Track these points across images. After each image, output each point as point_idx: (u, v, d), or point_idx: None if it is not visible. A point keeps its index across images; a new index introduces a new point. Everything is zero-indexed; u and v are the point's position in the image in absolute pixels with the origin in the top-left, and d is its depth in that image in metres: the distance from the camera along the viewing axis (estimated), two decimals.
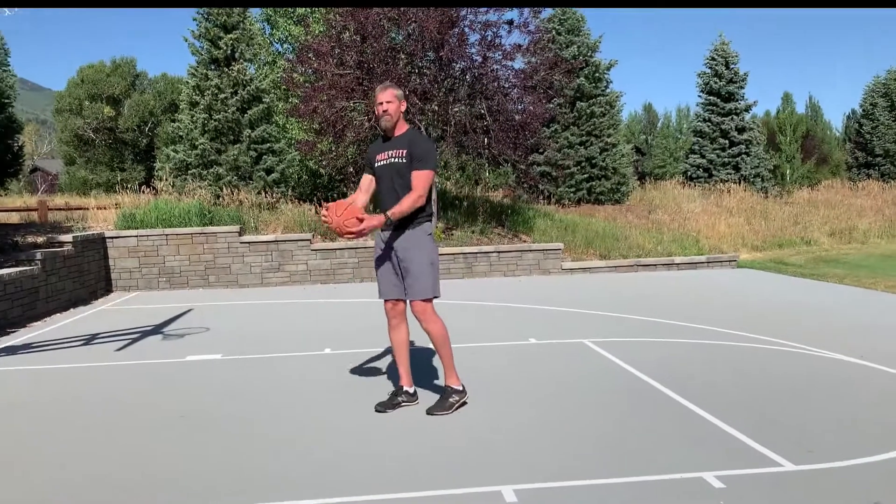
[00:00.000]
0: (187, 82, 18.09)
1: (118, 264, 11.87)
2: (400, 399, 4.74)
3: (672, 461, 3.72)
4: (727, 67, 25.37)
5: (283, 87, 17.72)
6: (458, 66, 13.72)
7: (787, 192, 25.67)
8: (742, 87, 25.44)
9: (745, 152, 24.85)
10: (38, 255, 9.59)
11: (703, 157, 25.26)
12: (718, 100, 25.30)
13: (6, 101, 19.09)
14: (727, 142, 24.93)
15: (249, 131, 16.98)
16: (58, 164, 49.85)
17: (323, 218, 4.38)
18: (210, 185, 16.04)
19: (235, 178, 16.57)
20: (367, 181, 4.73)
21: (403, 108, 4.62)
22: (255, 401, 5.07)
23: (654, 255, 13.77)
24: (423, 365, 5.76)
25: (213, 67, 17.44)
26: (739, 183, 23.73)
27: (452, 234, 13.59)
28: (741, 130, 25.02)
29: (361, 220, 4.27)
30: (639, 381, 5.33)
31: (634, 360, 5.95)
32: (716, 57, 25.54)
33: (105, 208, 14.12)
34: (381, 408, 4.68)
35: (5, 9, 7.40)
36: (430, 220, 4.64)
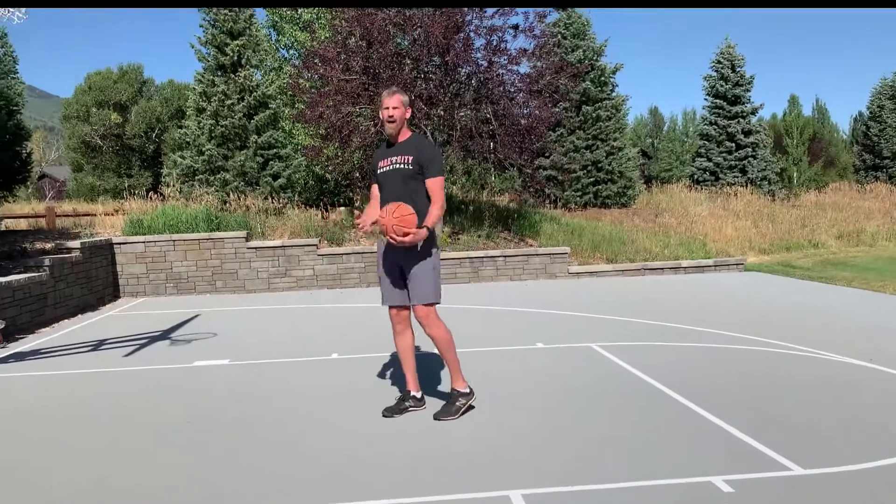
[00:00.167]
0: (194, 88, 18.15)
1: (126, 270, 11.92)
2: (407, 404, 4.74)
3: (680, 465, 3.71)
4: (733, 70, 25.32)
5: (290, 92, 17.78)
6: (463, 70, 13.74)
7: (794, 194, 25.58)
8: (748, 90, 25.37)
9: (752, 155, 24.77)
10: (47, 262, 9.64)
11: (709, 160, 25.20)
12: (725, 103, 25.24)
13: (14, 108, 19.19)
14: (734, 145, 24.86)
15: (256, 137, 17.02)
16: (65, 171, 50.13)
17: (378, 218, 4.38)
18: (217, 191, 16.09)
19: (242, 183, 16.62)
20: (375, 190, 4.72)
21: (408, 115, 4.61)
22: (262, 406, 5.07)
23: (661, 258, 13.74)
24: (429, 370, 5.75)
25: (219, 73, 17.50)
26: (746, 186, 23.66)
27: (459, 239, 13.59)
28: (748, 133, 24.95)
29: (408, 234, 4.29)
30: (646, 385, 5.32)
31: (642, 364, 5.94)
32: (722, 60, 25.49)
33: (110, 214, 14.20)
34: (389, 413, 4.68)
35: (14, 16, 7.44)
36: (435, 226, 4.63)
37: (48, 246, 11.02)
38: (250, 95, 17.12)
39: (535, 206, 18.90)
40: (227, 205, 14.91)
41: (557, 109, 16.88)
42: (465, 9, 13.29)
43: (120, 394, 5.56)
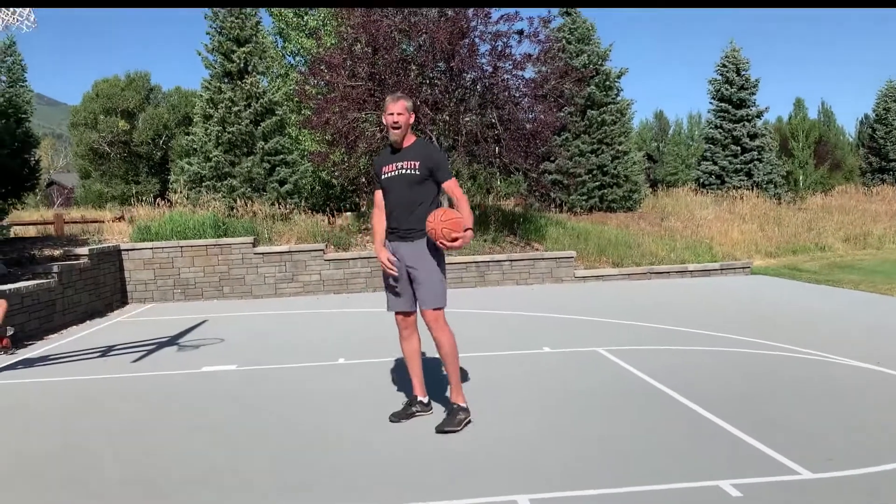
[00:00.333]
0: (201, 95, 18.26)
1: (133, 276, 11.97)
2: (414, 409, 4.74)
3: (688, 469, 3.71)
4: (738, 74, 25.30)
5: (296, 99, 17.85)
6: (468, 76, 13.78)
7: (800, 197, 25.50)
8: (753, 94, 25.34)
9: (758, 158, 24.74)
10: (55, 268, 9.69)
11: (715, 163, 25.16)
12: (730, 106, 25.21)
13: (23, 116, 19.30)
14: (739, 148, 24.83)
15: (263, 143, 17.10)
16: (73, 178, 50.36)
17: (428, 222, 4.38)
18: (224, 197, 16.16)
19: (249, 189, 16.69)
20: (381, 197, 4.69)
21: (412, 120, 4.61)
22: (270, 411, 5.09)
23: (667, 262, 13.73)
24: (436, 375, 5.76)
25: (226, 80, 17.60)
26: (752, 189, 23.60)
27: None
28: (753, 137, 24.91)
29: (457, 238, 4.32)
30: (653, 389, 5.32)
31: (649, 368, 5.94)
32: (727, 64, 25.48)
33: (113, 220, 14.28)
34: (396, 418, 4.68)
35: (23, 24, 7.49)
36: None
37: (57, 253, 11.09)
38: (257, 102, 17.21)
39: (540, 210, 18.90)
40: (235, 211, 14.98)
41: (562, 114, 16.89)
42: (470, 14, 13.34)
43: (128, 399, 5.59)
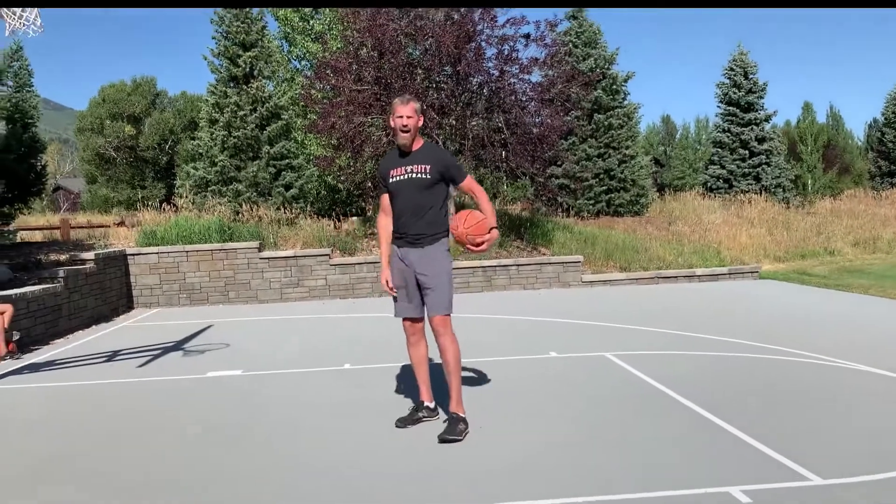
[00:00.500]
0: (207, 100, 18.30)
1: (139, 281, 11.97)
2: (420, 414, 4.70)
3: (697, 475, 3.66)
4: (746, 77, 25.21)
5: (302, 103, 17.87)
6: (475, 80, 13.77)
7: (808, 202, 25.39)
8: (761, 97, 25.24)
9: (766, 162, 24.63)
10: (61, 273, 9.69)
11: (723, 167, 25.07)
12: (738, 110, 25.13)
13: (30, 121, 19.42)
14: (747, 152, 24.73)
15: (268, 148, 17.12)
16: (80, 183, 50.57)
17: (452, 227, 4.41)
18: (229, 202, 16.18)
19: (255, 194, 16.70)
20: (388, 201, 4.61)
21: (421, 123, 4.54)
22: (275, 416, 5.06)
23: (674, 266, 13.66)
24: (443, 381, 5.71)
25: (232, 85, 17.63)
26: (760, 193, 23.50)
27: None
28: (761, 140, 24.81)
29: (482, 242, 4.32)
30: (662, 395, 5.26)
31: (657, 374, 5.88)
32: (734, 67, 25.40)
33: (117, 226, 14.32)
34: (402, 423, 4.64)
35: (30, 29, 7.50)
36: (448, 235, 4.56)
37: (63, 257, 11.09)
38: (262, 106, 17.23)
39: (547, 214, 18.86)
40: (240, 215, 14.99)
41: (569, 118, 16.84)
42: (477, 17, 13.32)
43: (134, 404, 5.56)
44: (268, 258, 12.29)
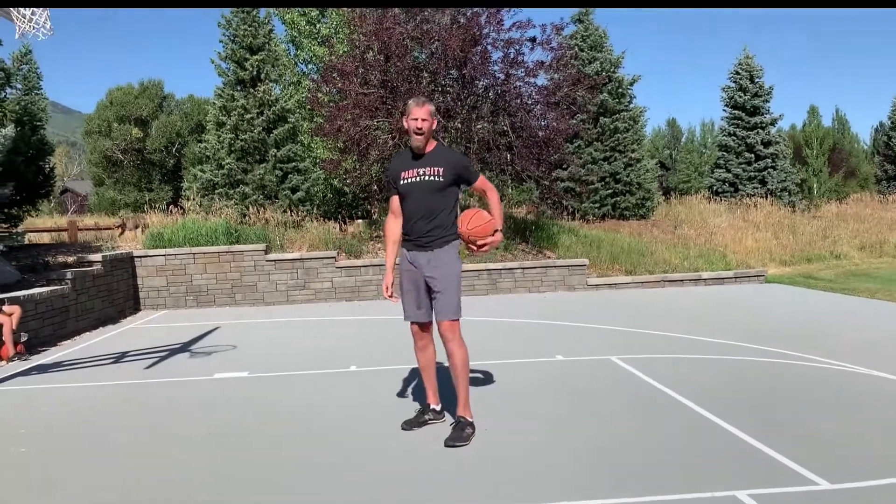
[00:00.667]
0: (214, 103, 18.35)
1: (146, 283, 12.01)
2: (427, 417, 4.70)
3: (704, 479, 3.66)
4: (752, 81, 25.19)
5: (308, 106, 17.91)
6: (480, 83, 13.79)
7: (814, 205, 25.34)
8: (767, 101, 25.21)
9: (772, 166, 24.59)
10: (69, 275, 9.73)
11: (728, 171, 25.04)
12: (743, 114, 25.10)
13: (38, 124, 19.51)
14: (753, 156, 24.70)
15: (275, 151, 17.15)
16: (87, 185, 50.80)
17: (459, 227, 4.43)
18: (236, 204, 16.22)
19: (261, 196, 16.74)
20: (398, 203, 4.58)
21: (435, 126, 4.51)
22: (282, 418, 5.07)
23: (680, 270, 13.65)
24: (450, 384, 5.72)
25: (239, 88, 17.68)
26: (766, 197, 23.47)
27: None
28: (767, 144, 24.78)
29: (485, 244, 4.34)
30: (668, 398, 5.26)
31: (663, 377, 5.88)
32: (740, 71, 25.38)
33: (116, 228, 14.39)
34: (408, 426, 4.64)
35: (39, 32, 7.55)
36: (458, 238, 4.51)
37: (70, 259, 11.14)
38: (269, 109, 17.27)
39: (552, 217, 18.86)
40: (247, 218, 15.03)
41: (575, 121, 16.86)
42: (483, 21, 13.35)
43: (141, 405, 5.58)
44: (274, 260, 12.32)
